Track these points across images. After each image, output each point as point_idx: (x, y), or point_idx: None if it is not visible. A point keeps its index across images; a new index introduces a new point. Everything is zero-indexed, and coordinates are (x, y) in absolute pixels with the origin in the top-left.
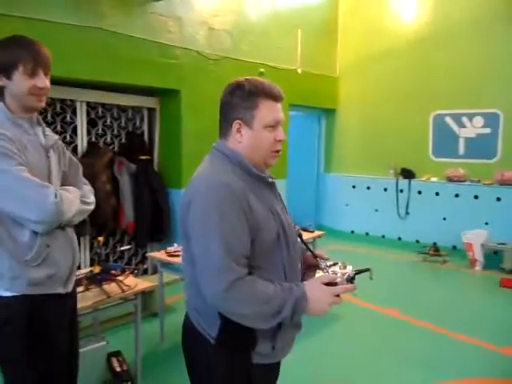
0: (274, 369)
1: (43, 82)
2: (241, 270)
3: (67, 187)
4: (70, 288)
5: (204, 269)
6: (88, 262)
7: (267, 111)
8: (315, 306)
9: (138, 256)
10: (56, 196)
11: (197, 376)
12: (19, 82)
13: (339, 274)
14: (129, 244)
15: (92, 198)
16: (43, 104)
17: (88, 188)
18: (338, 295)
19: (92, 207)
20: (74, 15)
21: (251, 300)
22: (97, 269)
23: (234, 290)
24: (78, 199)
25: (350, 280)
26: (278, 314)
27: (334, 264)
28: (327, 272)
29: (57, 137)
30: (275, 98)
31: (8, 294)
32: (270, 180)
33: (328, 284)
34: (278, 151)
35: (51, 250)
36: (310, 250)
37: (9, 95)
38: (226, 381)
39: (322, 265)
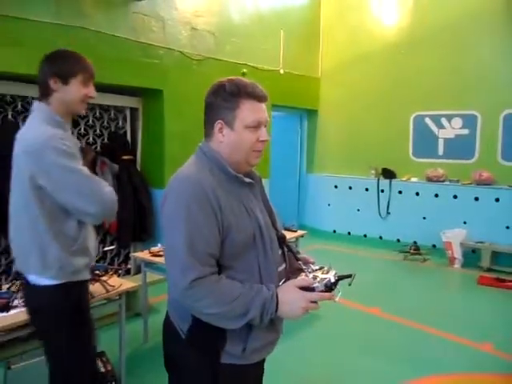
0: (247, 371)
1: (94, 92)
2: (203, 269)
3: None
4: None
5: (168, 264)
6: None
7: (249, 112)
8: (287, 309)
9: (120, 256)
10: (112, 192)
11: (170, 372)
12: (75, 90)
13: (318, 279)
14: (111, 244)
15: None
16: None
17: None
18: (315, 301)
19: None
20: (54, 14)
21: (214, 299)
22: None
23: (195, 289)
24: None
25: (331, 286)
26: (245, 315)
27: (320, 268)
28: (312, 276)
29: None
30: (258, 98)
31: (54, 282)
32: (246, 180)
33: (305, 288)
34: (260, 151)
35: (87, 241)
36: (293, 253)
37: (58, 100)
38: (194, 377)
39: (306, 269)
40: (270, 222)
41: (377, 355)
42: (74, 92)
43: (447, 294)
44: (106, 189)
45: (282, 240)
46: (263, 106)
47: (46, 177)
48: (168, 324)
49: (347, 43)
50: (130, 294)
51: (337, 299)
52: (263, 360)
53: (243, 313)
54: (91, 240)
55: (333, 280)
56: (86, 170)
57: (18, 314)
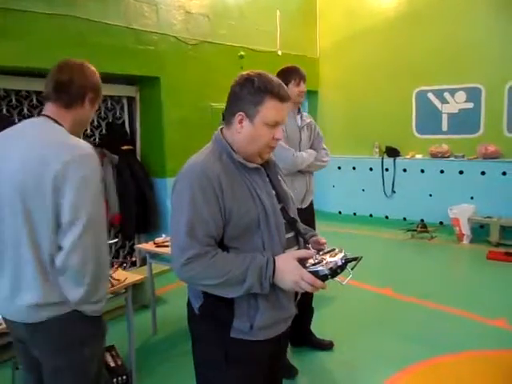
0: (257, 346)
1: (304, 87)
2: (200, 248)
3: (308, 150)
4: (304, 206)
5: (172, 242)
6: None
7: (271, 110)
8: (280, 277)
9: (125, 248)
10: (293, 155)
11: (191, 346)
12: (292, 89)
13: (324, 262)
14: (115, 237)
15: (326, 158)
16: (302, 100)
17: (324, 152)
18: (323, 280)
19: (325, 164)
20: (43, 3)
21: (209, 273)
22: None
23: (191, 265)
24: (312, 158)
25: (336, 269)
26: (243, 283)
27: (331, 250)
28: (316, 258)
29: (309, 120)
30: (282, 98)
31: None
32: (250, 166)
33: (303, 262)
34: (273, 147)
35: (294, 182)
36: (302, 236)
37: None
38: (208, 349)
39: (313, 251)
40: (277, 206)
41: (389, 335)
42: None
43: (457, 271)
44: (290, 151)
45: (292, 223)
46: (285, 106)
47: None
48: (188, 304)
49: (345, 21)
50: (136, 286)
51: (344, 282)
52: (278, 337)
53: (240, 281)
54: (300, 182)
55: (339, 263)
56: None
57: None
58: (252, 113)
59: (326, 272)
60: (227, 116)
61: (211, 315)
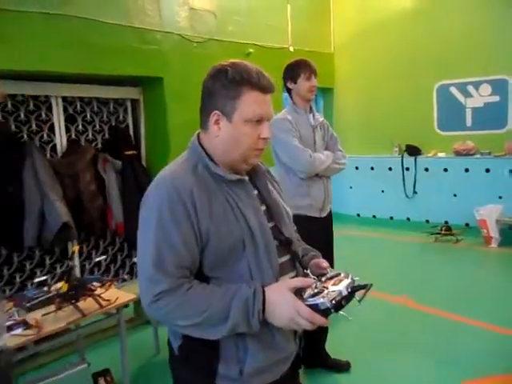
0: None
1: (315, 82)
2: (170, 282)
3: (325, 152)
4: (324, 215)
5: (138, 276)
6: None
7: (250, 104)
8: (271, 311)
9: (116, 263)
10: (311, 156)
11: None
12: (302, 84)
13: (325, 292)
14: (120, 245)
15: (343, 160)
16: (313, 97)
17: (341, 154)
18: (325, 315)
19: (343, 167)
20: (37, 2)
21: (184, 312)
22: (64, 287)
23: (161, 302)
24: (330, 160)
25: (341, 300)
26: (225, 321)
27: (334, 276)
28: (316, 287)
29: (322, 119)
30: (263, 88)
31: None
32: (231, 178)
33: (299, 294)
34: (261, 149)
35: (311, 189)
36: (299, 261)
37: (295, 93)
38: None
39: (315, 278)
40: (266, 224)
41: (412, 355)
42: (302, 86)
43: (485, 278)
44: (307, 153)
45: (286, 244)
46: (268, 97)
47: None
48: (168, 341)
49: (360, 12)
50: (138, 301)
51: (351, 318)
52: (279, 381)
53: (222, 319)
54: (317, 188)
55: (345, 293)
56: (295, 141)
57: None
58: (229, 110)
59: (328, 305)
60: (202, 118)
61: (192, 358)
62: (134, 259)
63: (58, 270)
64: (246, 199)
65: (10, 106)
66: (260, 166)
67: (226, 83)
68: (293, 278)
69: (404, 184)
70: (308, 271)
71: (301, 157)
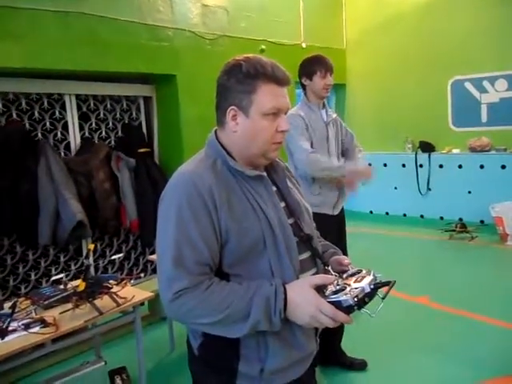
0: None
1: (330, 80)
2: (190, 280)
3: (340, 161)
4: (336, 212)
5: (158, 274)
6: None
7: (267, 97)
8: (293, 309)
9: (130, 260)
10: (307, 156)
11: None
12: (317, 82)
13: (348, 289)
14: (134, 243)
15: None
16: (328, 95)
17: (358, 150)
18: (347, 313)
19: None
20: (50, 0)
21: (204, 310)
22: (82, 285)
23: (181, 300)
24: (326, 164)
25: (364, 297)
26: (246, 319)
27: (356, 273)
28: (338, 284)
29: (335, 115)
30: (278, 81)
31: None
32: (250, 174)
33: (321, 291)
34: (279, 143)
35: (323, 186)
36: (319, 257)
37: (309, 90)
38: None
39: (334, 274)
40: (286, 221)
41: (429, 353)
42: (317, 83)
43: (502, 276)
44: (306, 152)
45: (306, 240)
46: (284, 90)
47: None
48: (187, 341)
49: (372, 7)
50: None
51: (374, 315)
52: (298, 380)
53: (243, 317)
54: (328, 187)
55: (367, 290)
56: (300, 140)
57: (15, 340)
58: (245, 104)
59: (351, 302)
60: (218, 115)
61: (213, 357)
62: (148, 257)
63: (73, 268)
64: (265, 195)
65: (24, 104)
66: (278, 163)
67: (241, 78)
68: (314, 274)
69: (418, 180)
70: (329, 268)
71: (300, 154)
